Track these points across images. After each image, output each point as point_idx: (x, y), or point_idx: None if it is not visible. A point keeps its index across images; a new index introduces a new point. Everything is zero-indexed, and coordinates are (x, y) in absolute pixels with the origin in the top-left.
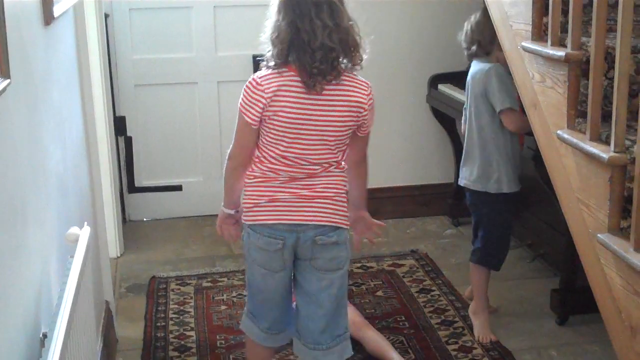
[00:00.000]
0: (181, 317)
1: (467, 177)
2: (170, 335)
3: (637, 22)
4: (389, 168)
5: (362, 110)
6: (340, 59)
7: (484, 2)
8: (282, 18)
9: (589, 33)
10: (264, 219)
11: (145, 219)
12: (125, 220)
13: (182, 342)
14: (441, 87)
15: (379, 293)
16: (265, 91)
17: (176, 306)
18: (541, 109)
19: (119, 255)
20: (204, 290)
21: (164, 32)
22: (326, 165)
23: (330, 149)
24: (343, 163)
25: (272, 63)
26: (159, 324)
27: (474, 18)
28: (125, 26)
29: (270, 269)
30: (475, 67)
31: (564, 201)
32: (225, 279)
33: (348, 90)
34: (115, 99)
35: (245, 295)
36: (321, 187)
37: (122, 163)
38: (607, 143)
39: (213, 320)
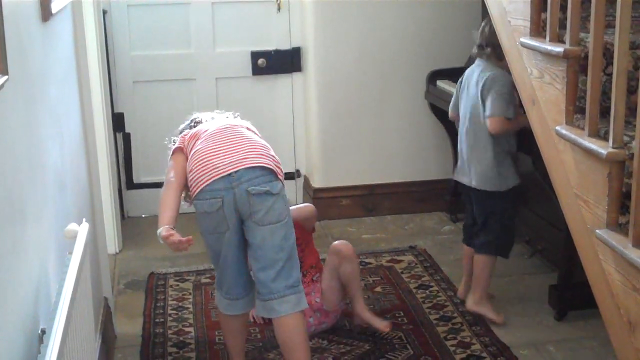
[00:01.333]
0: (180, 313)
1: (475, 178)
2: (169, 331)
3: (636, 18)
4: (387, 164)
5: None
6: None
7: (482, 1)
8: None
9: (588, 29)
10: (202, 184)
11: (143, 215)
12: (123, 216)
13: (181, 338)
14: (440, 83)
15: (378, 289)
16: None
17: (175, 302)
18: (539, 104)
19: (117, 251)
20: (203, 286)
21: (162, 28)
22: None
23: None
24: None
25: None
26: (157, 320)
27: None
28: (123, 22)
29: (218, 231)
30: (484, 71)
31: (562, 197)
32: None
33: None
34: (114, 95)
35: None
36: (248, 141)
37: (121, 159)
38: (606, 139)
39: (212, 316)
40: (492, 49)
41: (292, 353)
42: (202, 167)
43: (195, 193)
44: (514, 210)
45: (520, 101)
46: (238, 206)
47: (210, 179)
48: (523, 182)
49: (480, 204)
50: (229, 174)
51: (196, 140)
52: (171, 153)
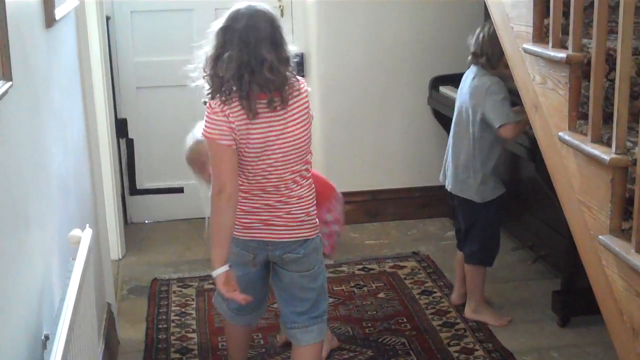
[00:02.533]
0: (183, 319)
1: (452, 182)
2: (172, 337)
3: (638, 24)
4: (390, 170)
5: (308, 108)
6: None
7: (485, 7)
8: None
9: (590, 35)
10: (238, 234)
11: (146, 221)
12: (126, 222)
13: (184, 344)
14: (442, 89)
15: (381, 295)
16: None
17: (178, 308)
18: (542, 110)
19: (120, 257)
20: (206, 292)
21: (165, 34)
22: (297, 177)
23: (298, 160)
24: (309, 170)
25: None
26: (160, 326)
27: (488, 28)
28: (126, 29)
29: (242, 262)
30: (477, 78)
31: (565, 203)
32: None
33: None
34: (117, 101)
35: None
36: (288, 207)
37: (124, 165)
38: (609, 145)
39: (214, 322)
40: (486, 58)
41: None
42: (243, 213)
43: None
44: (497, 220)
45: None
46: (269, 259)
47: (244, 235)
48: (523, 192)
49: (463, 211)
50: (264, 241)
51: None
52: (208, 137)
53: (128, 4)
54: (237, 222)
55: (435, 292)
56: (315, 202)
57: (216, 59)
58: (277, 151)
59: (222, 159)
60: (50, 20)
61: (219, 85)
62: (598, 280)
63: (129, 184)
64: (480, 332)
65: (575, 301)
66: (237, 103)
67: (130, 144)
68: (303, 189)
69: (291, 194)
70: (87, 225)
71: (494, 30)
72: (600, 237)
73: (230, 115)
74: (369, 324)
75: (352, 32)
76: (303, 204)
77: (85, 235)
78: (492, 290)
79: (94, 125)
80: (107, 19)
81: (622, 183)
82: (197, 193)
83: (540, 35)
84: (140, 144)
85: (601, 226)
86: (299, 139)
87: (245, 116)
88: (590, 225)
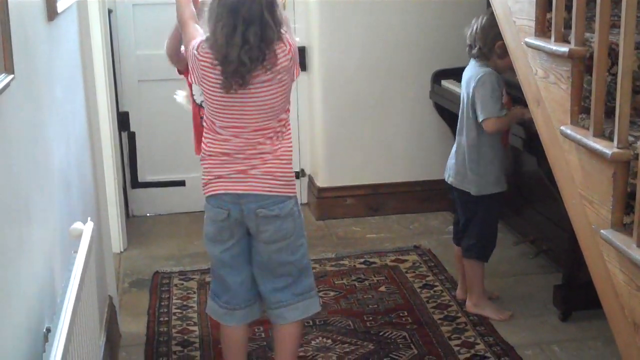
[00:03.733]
0: (184, 312)
1: (452, 175)
2: (174, 330)
3: None
4: (391, 164)
5: (288, 70)
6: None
7: (488, 1)
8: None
9: (593, 29)
10: (212, 190)
11: (148, 214)
12: (128, 215)
13: (185, 337)
14: (444, 82)
15: (382, 288)
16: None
17: (179, 301)
18: (544, 105)
19: (122, 250)
20: (207, 285)
21: (167, 27)
22: (270, 135)
23: (269, 118)
24: (288, 130)
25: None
26: (162, 319)
27: (481, 20)
28: (128, 22)
29: (221, 239)
30: (471, 70)
31: (567, 197)
32: None
33: (273, 64)
34: (119, 94)
35: None
36: (263, 161)
37: (126, 158)
38: (611, 139)
39: None
40: (478, 49)
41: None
42: (212, 167)
43: (206, 195)
44: (494, 216)
45: (509, 97)
46: (245, 221)
47: (217, 190)
48: (524, 186)
49: (461, 204)
50: (237, 193)
51: (205, 76)
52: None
53: None
54: (211, 176)
55: (436, 286)
56: (291, 163)
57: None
58: (246, 110)
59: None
60: (52, 13)
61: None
62: (599, 274)
63: (131, 177)
64: (481, 326)
65: (577, 295)
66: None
67: (132, 137)
68: (277, 147)
69: (265, 148)
70: (89, 218)
71: (487, 20)
72: (601, 231)
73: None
74: (370, 318)
75: (354, 26)
76: (277, 161)
77: (87, 229)
78: (493, 285)
79: (95, 119)
80: (109, 11)
81: (623, 177)
82: (198, 186)
83: (543, 29)
84: (142, 137)
85: (603, 220)
86: (269, 101)
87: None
88: (592, 220)
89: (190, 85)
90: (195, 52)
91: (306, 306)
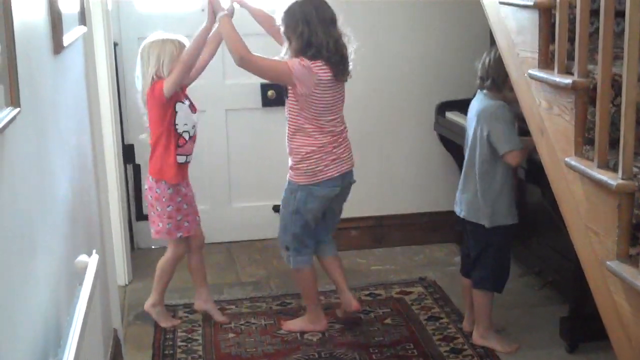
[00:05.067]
0: (189, 345)
1: (465, 209)
2: None
3: None
4: (396, 195)
5: None
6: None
7: (491, 33)
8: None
9: (596, 61)
10: (329, 175)
11: (153, 247)
12: (133, 247)
13: None
14: (449, 114)
15: (388, 321)
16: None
17: (184, 334)
18: (548, 135)
19: (127, 283)
20: (212, 318)
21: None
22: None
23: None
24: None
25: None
26: (167, 352)
27: (494, 52)
28: (134, 55)
29: (322, 209)
30: (483, 102)
31: (572, 228)
32: (233, 307)
33: None
34: (124, 126)
35: (253, 323)
36: (347, 140)
37: (131, 191)
38: (615, 170)
39: (221, 348)
40: (492, 81)
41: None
42: (322, 156)
43: (321, 179)
44: (507, 246)
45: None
46: (340, 191)
47: (334, 173)
48: (529, 218)
49: (474, 237)
50: (348, 171)
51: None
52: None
53: (135, 31)
54: (322, 165)
55: (442, 318)
56: None
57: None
58: (341, 99)
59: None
60: (58, 46)
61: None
62: (606, 305)
63: (136, 210)
64: (487, 359)
65: (583, 327)
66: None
67: (137, 169)
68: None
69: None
70: (94, 250)
71: (500, 54)
72: (607, 262)
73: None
74: (376, 350)
75: (357, 57)
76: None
77: (92, 261)
78: (499, 316)
79: (101, 151)
80: (115, 45)
81: (629, 209)
82: (203, 219)
83: (546, 61)
84: (147, 170)
85: (608, 252)
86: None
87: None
88: (598, 251)
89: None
90: (305, 63)
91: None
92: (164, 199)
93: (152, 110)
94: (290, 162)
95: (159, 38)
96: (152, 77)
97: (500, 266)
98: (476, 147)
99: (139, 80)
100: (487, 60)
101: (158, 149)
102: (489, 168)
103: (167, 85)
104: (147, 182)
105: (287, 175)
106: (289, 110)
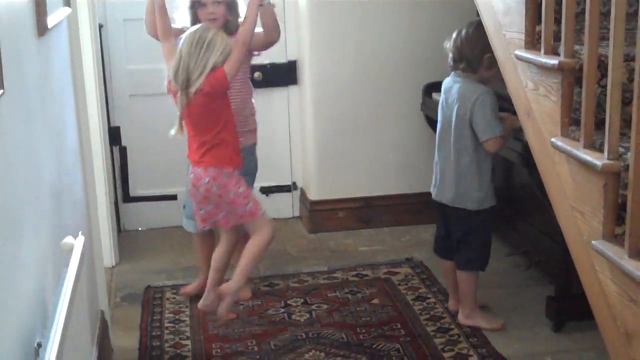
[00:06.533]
0: (177, 326)
1: (451, 196)
2: (166, 345)
3: (629, 30)
4: (383, 176)
5: None
6: None
7: (477, 14)
8: None
9: (582, 41)
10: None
11: (140, 229)
12: (120, 229)
13: (178, 351)
14: (435, 95)
15: (375, 301)
16: None
17: (171, 315)
18: (535, 117)
19: (114, 264)
20: (199, 299)
21: (158, 42)
22: None
23: None
24: None
25: None
26: (154, 333)
27: (464, 31)
28: (119, 36)
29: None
30: (464, 85)
31: (558, 209)
32: None
33: None
34: (110, 109)
35: (241, 304)
36: None
37: (117, 173)
38: (601, 150)
39: (209, 329)
40: (466, 62)
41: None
42: None
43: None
44: (491, 227)
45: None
46: None
47: None
48: (516, 198)
49: (459, 221)
50: None
51: None
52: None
53: (121, 12)
54: None
55: (429, 298)
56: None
57: None
58: None
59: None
60: (42, 28)
61: None
62: (591, 285)
63: (122, 192)
64: (474, 338)
65: (569, 307)
66: None
67: (123, 151)
68: None
69: None
70: (80, 232)
71: (473, 33)
72: (593, 242)
73: None
74: (363, 330)
75: (345, 38)
76: None
77: (78, 243)
78: (485, 297)
79: (87, 133)
80: (100, 26)
81: (614, 189)
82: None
83: (532, 41)
84: (133, 152)
85: (594, 232)
86: None
87: None
88: (583, 231)
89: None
90: None
91: None
92: (233, 183)
93: (215, 100)
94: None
95: (210, 29)
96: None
97: (486, 245)
98: (462, 133)
99: (178, 74)
100: (458, 40)
101: (226, 137)
102: (474, 153)
103: (231, 70)
104: (206, 174)
105: None
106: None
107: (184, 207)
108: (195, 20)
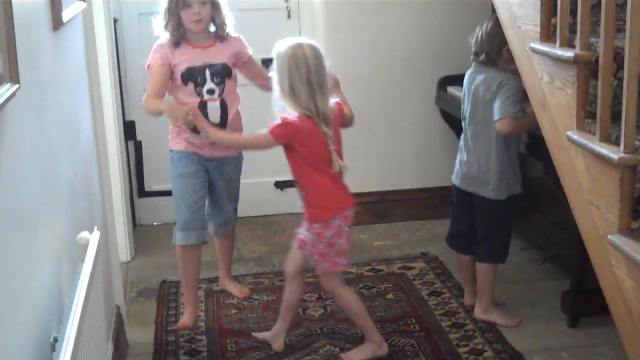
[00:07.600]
0: None
1: (480, 185)
2: (181, 339)
3: None
4: (398, 171)
5: None
6: None
7: (492, 7)
8: None
9: (598, 33)
10: None
11: (155, 223)
12: (135, 224)
13: (193, 346)
14: (450, 89)
15: (389, 296)
16: None
17: None
18: (550, 109)
19: (129, 259)
20: (215, 294)
21: None
22: None
23: None
24: None
25: None
26: (169, 328)
27: (485, 26)
28: (134, 30)
29: None
30: (489, 73)
31: (573, 202)
32: (236, 283)
33: None
34: (125, 103)
35: (256, 299)
36: None
37: (132, 167)
38: (617, 144)
39: (224, 324)
40: (485, 55)
41: None
42: None
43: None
44: (512, 218)
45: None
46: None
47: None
48: (531, 192)
49: (486, 212)
50: None
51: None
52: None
53: (135, 6)
54: None
55: (444, 293)
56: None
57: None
58: None
59: None
60: (57, 22)
61: None
62: (607, 280)
63: (138, 186)
64: (489, 333)
65: (585, 301)
66: None
67: (138, 146)
68: None
69: None
70: (96, 227)
71: (492, 27)
72: (609, 236)
73: None
74: (378, 325)
75: (359, 33)
76: None
77: (94, 238)
78: (501, 291)
79: (102, 128)
80: (115, 20)
81: (630, 182)
82: None
83: (548, 34)
84: (148, 146)
85: (610, 226)
86: None
87: None
88: (599, 225)
89: None
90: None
91: None
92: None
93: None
94: None
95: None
96: None
97: (509, 237)
98: (483, 122)
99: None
100: (479, 35)
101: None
102: (499, 142)
103: None
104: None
105: None
106: None
107: (207, 214)
108: (176, 22)
